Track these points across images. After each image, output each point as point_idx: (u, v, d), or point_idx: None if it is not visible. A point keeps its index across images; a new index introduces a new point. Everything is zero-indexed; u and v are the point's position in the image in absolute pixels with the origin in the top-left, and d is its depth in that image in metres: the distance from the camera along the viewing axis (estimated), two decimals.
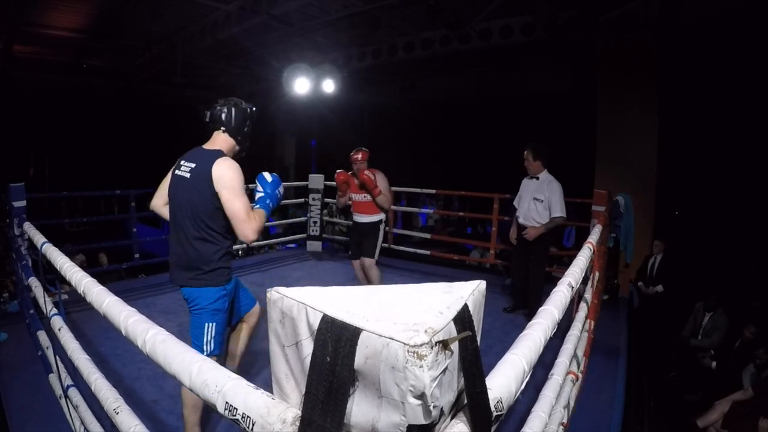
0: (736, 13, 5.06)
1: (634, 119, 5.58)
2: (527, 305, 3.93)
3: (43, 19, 6.62)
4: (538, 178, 3.78)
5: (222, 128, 1.98)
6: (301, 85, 7.25)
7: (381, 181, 3.67)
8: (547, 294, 1.31)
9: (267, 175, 2.01)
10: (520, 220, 3.88)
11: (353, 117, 10.97)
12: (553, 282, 1.52)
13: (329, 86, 7.65)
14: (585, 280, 2.21)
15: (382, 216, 3.83)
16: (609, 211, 3.90)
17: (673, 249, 5.36)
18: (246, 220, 1.83)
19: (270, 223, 7.08)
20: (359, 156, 3.71)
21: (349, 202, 3.93)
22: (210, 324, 1.95)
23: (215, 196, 1.84)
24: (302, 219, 6.33)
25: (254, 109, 2.08)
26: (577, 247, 2.19)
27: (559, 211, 3.66)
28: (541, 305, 1.15)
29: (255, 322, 2.29)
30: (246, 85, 10.22)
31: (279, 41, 7.42)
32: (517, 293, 4.17)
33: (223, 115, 1.97)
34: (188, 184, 1.89)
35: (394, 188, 5.81)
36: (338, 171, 3.85)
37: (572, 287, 1.40)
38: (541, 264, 3.86)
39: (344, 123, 10.49)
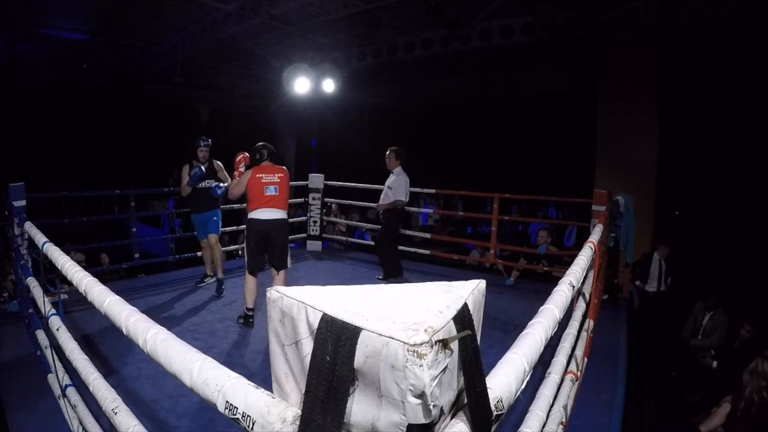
0: (736, 14, 5.06)
1: (634, 119, 5.57)
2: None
3: (43, 19, 6.63)
4: (393, 173, 4.73)
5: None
6: (301, 85, 7.24)
7: (243, 176, 3.58)
8: (548, 293, 1.30)
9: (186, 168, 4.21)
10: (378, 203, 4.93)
11: (353, 117, 10.97)
12: (552, 281, 1.51)
13: (329, 86, 7.64)
14: (585, 280, 2.21)
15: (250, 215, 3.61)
16: (609, 210, 3.91)
17: (673, 249, 5.36)
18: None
19: None
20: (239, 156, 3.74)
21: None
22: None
23: None
24: (302, 218, 6.33)
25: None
26: (578, 247, 2.19)
27: (400, 195, 4.67)
28: (390, 274, 1.14)
29: (208, 247, 4.43)
30: (246, 85, 10.20)
31: (279, 41, 7.42)
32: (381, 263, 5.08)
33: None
34: None
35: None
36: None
37: (573, 286, 1.40)
38: (382, 235, 4.95)
39: (344, 123, 10.49)
